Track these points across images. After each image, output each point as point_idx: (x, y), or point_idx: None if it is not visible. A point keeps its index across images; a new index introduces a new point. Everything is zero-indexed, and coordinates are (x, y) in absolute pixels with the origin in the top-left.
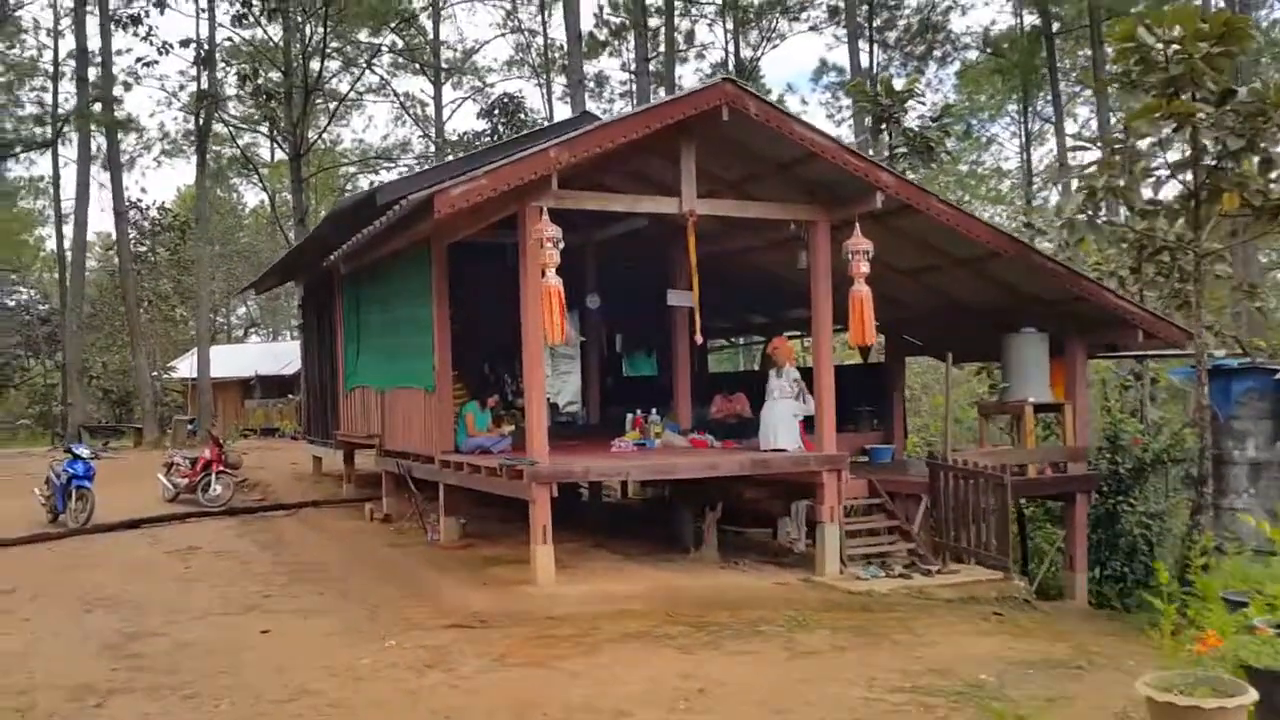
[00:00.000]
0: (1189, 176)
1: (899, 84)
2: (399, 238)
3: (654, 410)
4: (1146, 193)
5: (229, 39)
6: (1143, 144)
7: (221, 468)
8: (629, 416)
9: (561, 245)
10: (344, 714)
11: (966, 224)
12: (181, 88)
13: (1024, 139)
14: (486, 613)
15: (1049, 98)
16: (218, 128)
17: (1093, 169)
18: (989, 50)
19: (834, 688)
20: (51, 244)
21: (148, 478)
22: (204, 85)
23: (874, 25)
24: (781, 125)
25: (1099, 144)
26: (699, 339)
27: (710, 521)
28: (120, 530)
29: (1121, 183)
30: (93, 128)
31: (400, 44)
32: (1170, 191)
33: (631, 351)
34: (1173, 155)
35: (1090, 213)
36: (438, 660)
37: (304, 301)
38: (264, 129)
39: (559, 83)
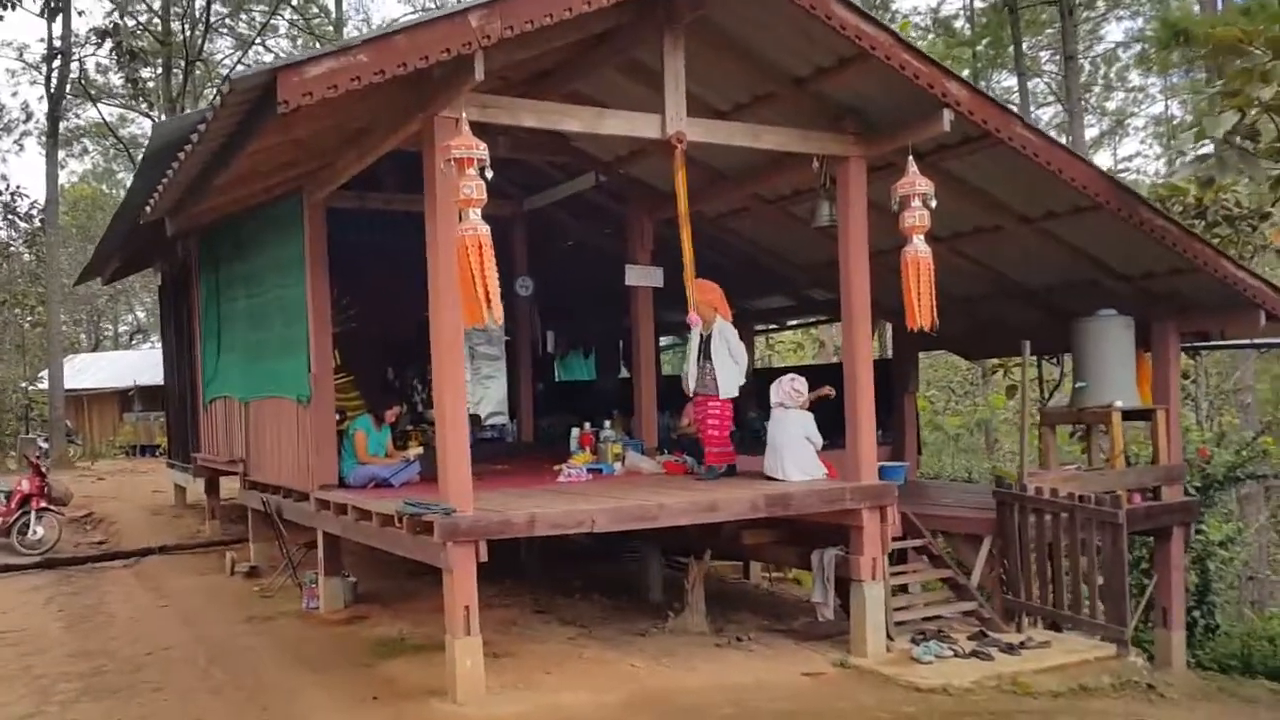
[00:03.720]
0: None
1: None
2: (243, 167)
3: (606, 424)
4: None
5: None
6: None
7: (43, 503)
8: (575, 432)
9: (489, 175)
10: None
11: (1062, 161)
12: (44, 59)
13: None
14: None
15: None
16: (92, 113)
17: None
18: (939, 31)
19: None
20: None
21: None
22: (55, 41)
23: None
24: (817, 4)
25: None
26: (695, 320)
27: (697, 577)
28: None
29: None
30: None
31: (299, 19)
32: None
33: (566, 351)
34: None
35: (1242, 139)
36: None
37: (161, 291)
38: (142, 107)
39: None
